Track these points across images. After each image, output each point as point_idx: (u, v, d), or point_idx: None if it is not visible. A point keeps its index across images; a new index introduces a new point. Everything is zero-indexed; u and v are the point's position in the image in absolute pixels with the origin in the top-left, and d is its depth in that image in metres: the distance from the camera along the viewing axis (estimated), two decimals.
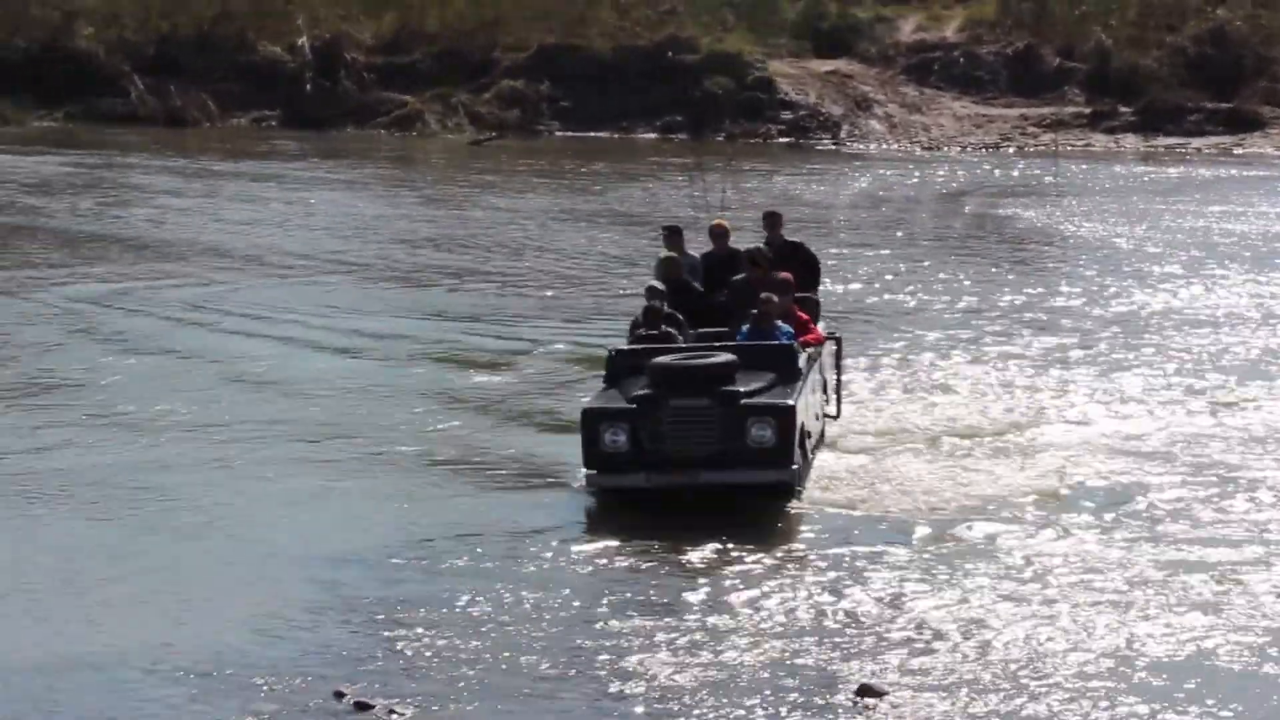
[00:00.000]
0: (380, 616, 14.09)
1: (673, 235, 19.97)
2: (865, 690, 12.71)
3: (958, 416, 19.85)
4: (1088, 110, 48.62)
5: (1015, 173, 43.38)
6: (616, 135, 48.22)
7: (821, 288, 27.81)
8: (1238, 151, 45.56)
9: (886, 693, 12.68)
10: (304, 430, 20.12)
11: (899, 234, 34.32)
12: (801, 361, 17.52)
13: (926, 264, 30.44)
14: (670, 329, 17.99)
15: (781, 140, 47.85)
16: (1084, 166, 43.78)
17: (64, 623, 14.34)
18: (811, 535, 16.22)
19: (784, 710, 12.42)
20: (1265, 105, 47.94)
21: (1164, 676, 12.82)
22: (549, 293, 27.91)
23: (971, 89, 50.18)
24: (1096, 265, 30.17)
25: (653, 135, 48.16)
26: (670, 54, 49.96)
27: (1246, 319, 25.60)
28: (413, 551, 15.88)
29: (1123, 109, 48.35)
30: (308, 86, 50.32)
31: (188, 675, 13.06)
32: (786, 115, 48.85)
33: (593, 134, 48.25)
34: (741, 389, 16.59)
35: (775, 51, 51.19)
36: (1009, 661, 13.11)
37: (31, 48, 50.64)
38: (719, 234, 20.01)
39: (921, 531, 16.01)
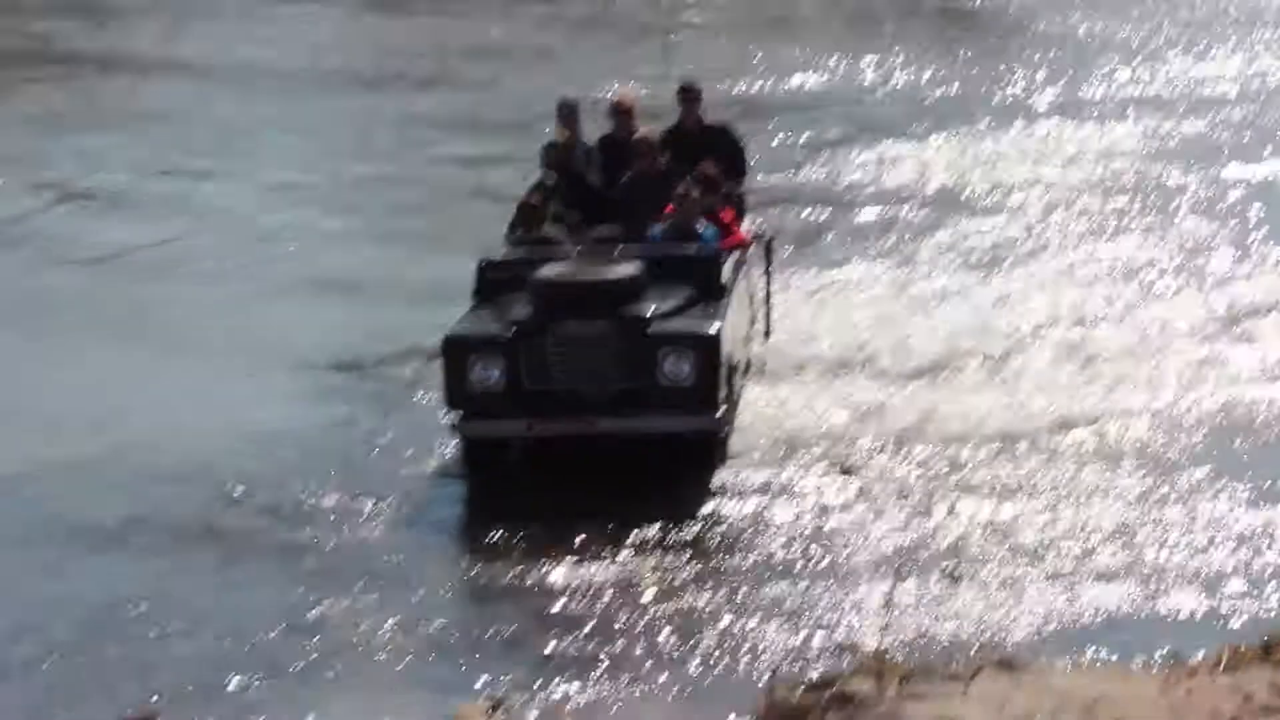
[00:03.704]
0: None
1: (567, 113, 15.91)
2: (948, 574, 11.80)
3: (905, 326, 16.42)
4: None
5: None
6: None
7: (794, 84, 27.81)
8: None
9: (971, 574, 11.78)
10: (312, 240, 20.15)
11: (862, 29, 33.34)
12: (727, 272, 13.80)
13: (891, 60, 29.72)
14: (556, 233, 14.28)
15: None
16: None
17: (64, 428, 14.48)
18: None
19: (835, 588, 11.71)
20: None
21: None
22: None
23: None
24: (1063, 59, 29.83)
25: None
26: None
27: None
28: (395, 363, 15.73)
29: None
30: None
31: (172, 476, 13.35)
32: None
33: None
34: (650, 310, 12.92)
35: None
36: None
37: None
38: (622, 111, 15.84)
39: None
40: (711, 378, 12.70)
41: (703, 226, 14.15)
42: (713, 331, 12.83)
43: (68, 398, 15.28)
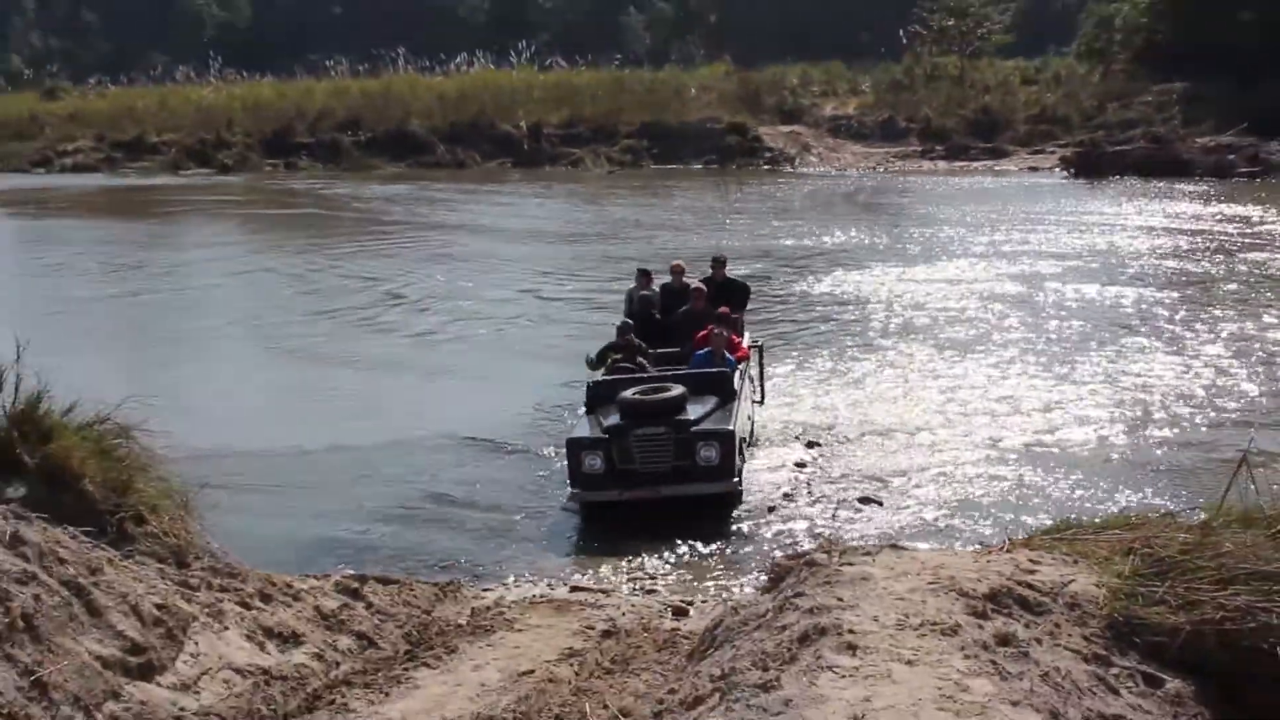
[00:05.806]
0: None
1: (644, 276, 14.43)
2: (865, 500, 11.04)
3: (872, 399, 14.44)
4: (920, 149, 47.82)
5: (883, 182, 42.64)
6: (681, 166, 47.92)
7: (790, 242, 27.75)
8: (996, 168, 45.06)
9: (882, 501, 10.97)
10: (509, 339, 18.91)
11: (826, 214, 33.60)
12: (737, 381, 12.18)
13: (837, 230, 29.82)
14: (640, 358, 12.78)
15: (765, 167, 47.54)
16: (917, 178, 43.20)
17: (405, 424, 13.80)
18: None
19: (807, 509, 10.92)
20: (1010, 144, 47.07)
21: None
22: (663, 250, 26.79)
23: (861, 139, 49.39)
24: (931, 227, 29.70)
25: (699, 166, 47.84)
26: (708, 124, 49.43)
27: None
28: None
29: (938, 148, 47.56)
30: (525, 145, 49.93)
31: (473, 446, 12.78)
32: (768, 154, 48.16)
33: (669, 166, 48.03)
34: (691, 417, 11.38)
35: (762, 121, 50.61)
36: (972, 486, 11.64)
37: (389, 130, 50.67)
38: (677, 271, 14.52)
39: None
40: (730, 459, 11.24)
41: (727, 355, 12.53)
42: (730, 428, 11.32)
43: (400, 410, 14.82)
